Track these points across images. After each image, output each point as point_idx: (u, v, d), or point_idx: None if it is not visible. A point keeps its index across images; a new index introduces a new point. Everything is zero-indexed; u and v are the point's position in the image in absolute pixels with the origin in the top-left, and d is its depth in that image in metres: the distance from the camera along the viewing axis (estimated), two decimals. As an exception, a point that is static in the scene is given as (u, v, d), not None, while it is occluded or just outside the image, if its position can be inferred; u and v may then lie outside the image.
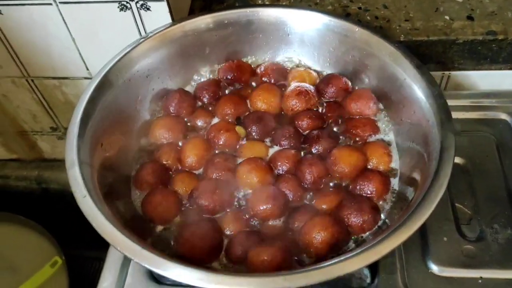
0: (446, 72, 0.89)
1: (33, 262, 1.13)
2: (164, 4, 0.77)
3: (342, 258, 0.48)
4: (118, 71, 0.69)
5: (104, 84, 0.67)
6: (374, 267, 0.67)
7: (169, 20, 0.79)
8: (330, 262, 0.48)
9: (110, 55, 0.71)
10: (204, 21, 0.77)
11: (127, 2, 0.77)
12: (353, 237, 0.61)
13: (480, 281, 0.66)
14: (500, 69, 0.87)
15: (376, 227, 0.62)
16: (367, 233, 0.61)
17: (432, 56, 0.86)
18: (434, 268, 0.67)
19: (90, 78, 0.93)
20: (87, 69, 0.91)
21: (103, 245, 0.75)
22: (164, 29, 0.74)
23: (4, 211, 1.17)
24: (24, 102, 1.02)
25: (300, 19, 0.77)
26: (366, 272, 0.67)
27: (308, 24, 0.77)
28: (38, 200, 1.21)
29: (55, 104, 1.02)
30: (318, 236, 0.58)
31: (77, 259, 1.23)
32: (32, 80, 0.96)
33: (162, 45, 0.74)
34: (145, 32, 0.81)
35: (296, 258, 0.60)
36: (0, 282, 1.10)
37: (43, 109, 1.03)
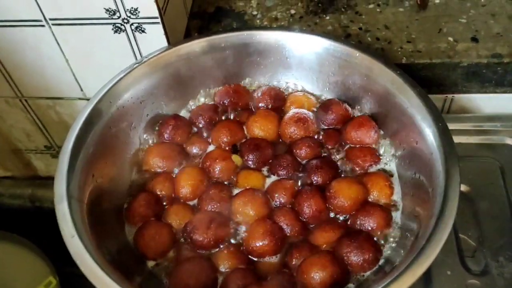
0: (449, 95, 0.86)
1: (27, 282, 1.11)
2: (160, 26, 0.75)
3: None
4: (111, 98, 0.67)
5: (96, 113, 0.65)
6: (375, 302, 0.65)
7: (165, 42, 0.76)
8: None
9: (105, 76, 0.69)
10: (200, 44, 0.74)
11: (121, 24, 0.75)
12: (353, 277, 0.59)
13: (485, 317, 0.64)
14: (505, 92, 0.85)
15: (378, 265, 0.59)
16: (368, 272, 0.59)
17: (435, 79, 0.83)
18: (438, 304, 0.65)
19: (85, 99, 0.91)
20: (81, 89, 0.89)
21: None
22: (159, 53, 0.72)
23: (-2, 229, 1.15)
24: (18, 121, 1.00)
25: (299, 43, 0.75)
26: (367, 308, 0.65)
27: (307, 47, 0.75)
28: (32, 218, 1.18)
29: (49, 123, 1.00)
30: (317, 276, 0.56)
31: (71, 277, 1.21)
32: (26, 100, 0.94)
33: (156, 70, 0.72)
34: (140, 54, 0.79)
35: (293, 298, 0.57)
36: (-7, 303, 1.08)
37: (37, 129, 1.01)
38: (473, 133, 0.83)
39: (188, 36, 0.88)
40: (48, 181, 1.16)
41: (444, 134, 0.59)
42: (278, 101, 0.77)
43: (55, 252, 1.15)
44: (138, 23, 0.74)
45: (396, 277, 0.48)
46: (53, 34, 0.78)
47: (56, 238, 1.15)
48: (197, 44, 0.74)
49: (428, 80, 0.83)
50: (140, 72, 0.70)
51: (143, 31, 0.76)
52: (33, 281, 1.11)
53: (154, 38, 0.76)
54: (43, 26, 0.77)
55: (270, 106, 0.76)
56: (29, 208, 1.17)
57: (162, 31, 0.75)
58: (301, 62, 0.76)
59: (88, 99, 0.63)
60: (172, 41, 0.77)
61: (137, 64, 0.70)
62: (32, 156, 1.11)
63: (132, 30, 0.76)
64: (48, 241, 1.14)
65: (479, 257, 0.70)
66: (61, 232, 0.52)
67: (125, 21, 0.74)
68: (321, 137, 0.73)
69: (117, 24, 0.75)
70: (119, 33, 0.76)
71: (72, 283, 1.20)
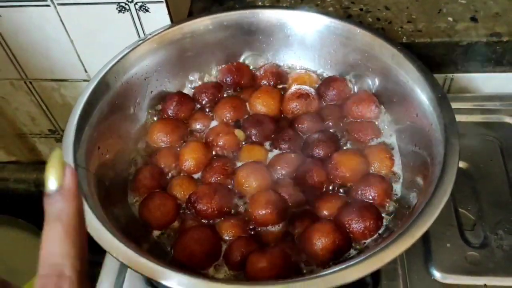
0: (449, 75, 0.87)
1: (32, 265, 1.12)
2: (163, 5, 0.76)
3: (344, 266, 0.47)
4: (116, 74, 0.68)
5: (102, 87, 0.66)
6: (376, 274, 0.66)
7: (168, 22, 0.78)
8: (333, 270, 0.47)
9: (108, 57, 0.70)
10: (203, 23, 0.76)
11: (125, 4, 0.76)
12: (354, 244, 0.60)
13: (484, 288, 0.65)
14: (504, 71, 0.86)
15: (378, 233, 0.60)
16: (369, 239, 0.60)
17: (435, 59, 0.84)
18: (437, 275, 0.66)
19: (89, 80, 0.92)
20: (86, 71, 0.90)
21: (101, 249, 0.74)
22: (163, 31, 0.73)
23: (3, 214, 1.16)
24: (22, 105, 1.01)
25: (300, 21, 0.76)
26: (368, 279, 0.66)
27: (309, 26, 0.76)
28: (37, 203, 1.19)
29: (54, 106, 1.01)
30: (319, 242, 0.57)
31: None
32: (31, 82, 0.95)
33: (160, 47, 0.73)
34: (144, 34, 0.80)
35: (295, 265, 0.58)
36: (-2, 286, 1.09)
37: (41, 112, 1.03)
38: (473, 112, 0.84)
39: (191, 17, 0.89)
40: (53, 165, 1.17)
41: (443, 104, 0.60)
42: (280, 78, 0.78)
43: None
44: (142, 2, 0.75)
45: (396, 238, 0.49)
46: (59, 14, 0.79)
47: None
48: (200, 23, 0.75)
49: (428, 59, 0.83)
50: (145, 49, 0.71)
51: (147, 10, 0.77)
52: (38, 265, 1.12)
53: (158, 17, 0.77)
54: (48, 6, 0.78)
55: (272, 84, 0.77)
56: (34, 193, 1.18)
57: (166, 11, 0.76)
58: (302, 40, 0.78)
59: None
60: (175, 21, 0.78)
61: (141, 41, 0.71)
62: (37, 141, 1.12)
63: (136, 9, 0.77)
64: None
65: (478, 231, 0.70)
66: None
67: (129, 0, 0.75)
68: (322, 112, 0.74)
69: (121, 4, 0.76)
70: (123, 12, 0.77)
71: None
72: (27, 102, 1.00)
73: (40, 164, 1.18)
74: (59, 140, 1.10)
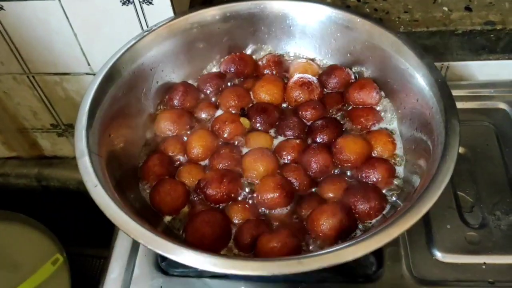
0: (445, 63, 0.90)
1: (34, 259, 1.13)
2: (167, -3, 0.77)
3: (354, 241, 0.49)
4: (124, 63, 0.69)
5: (111, 75, 0.67)
6: (379, 255, 0.68)
7: (171, 14, 0.79)
8: (343, 246, 0.49)
9: (112, 50, 0.71)
10: (206, 14, 0.77)
11: (129, -4, 0.77)
12: (360, 225, 0.62)
13: (483, 266, 0.67)
14: (498, 59, 0.88)
15: (382, 214, 0.62)
16: (374, 220, 0.62)
17: (432, 47, 0.87)
18: (438, 254, 0.68)
19: (92, 74, 0.93)
20: (89, 64, 0.91)
21: (104, 243, 0.75)
22: (168, 21, 0.74)
23: (4, 209, 1.16)
24: (24, 99, 1.01)
25: (302, 11, 0.78)
26: (372, 260, 0.68)
27: (310, 16, 0.78)
28: (38, 198, 1.20)
29: (56, 100, 1.02)
30: (326, 222, 0.59)
31: (78, 257, 1.23)
32: (33, 77, 0.96)
33: (166, 38, 0.74)
34: (148, 27, 0.81)
35: (304, 245, 0.60)
36: (2, 280, 1.09)
37: (43, 106, 1.03)
38: (469, 99, 0.87)
39: (193, 9, 0.91)
40: (54, 160, 1.18)
41: (443, 88, 0.62)
42: (282, 68, 0.80)
43: (62, 231, 1.18)
44: (146, -6, 0.77)
45: (404, 213, 0.50)
46: (62, 7, 0.80)
47: (63, 217, 1.17)
48: (204, 14, 0.77)
49: (425, 48, 0.86)
50: (151, 39, 0.73)
51: (150, 3, 0.78)
52: (40, 258, 1.13)
53: (161, 10, 0.79)
54: (52, -1, 0.79)
55: (274, 73, 0.79)
56: (36, 188, 1.19)
57: (169, 3, 0.78)
58: (304, 30, 0.79)
59: (95, 74, 0.66)
60: (179, 13, 0.79)
61: (147, 32, 0.73)
62: (38, 135, 1.13)
63: (139, 2, 0.78)
64: (54, 220, 1.17)
65: (477, 212, 0.73)
66: (85, 184, 0.54)
67: (133, -8, 0.76)
68: (325, 100, 0.76)
69: (125, -4, 0.77)
70: (127, 5, 0.79)
71: (80, 262, 1.23)
72: (29, 97, 1.01)
73: (41, 159, 1.18)
74: (61, 134, 1.11)
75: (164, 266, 0.69)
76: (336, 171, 0.68)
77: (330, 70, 0.77)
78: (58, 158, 1.18)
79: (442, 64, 0.90)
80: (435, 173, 0.54)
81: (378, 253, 0.68)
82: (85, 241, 1.23)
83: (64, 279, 1.14)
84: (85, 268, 1.27)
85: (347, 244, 0.49)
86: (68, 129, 1.09)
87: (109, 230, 0.75)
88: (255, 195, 0.65)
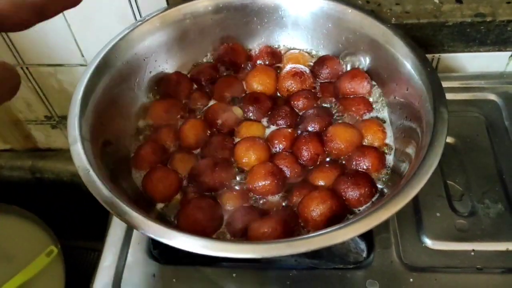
0: (436, 55, 0.91)
1: (29, 251, 1.13)
2: (160, -13, 0.78)
3: (343, 224, 0.50)
4: (117, 53, 0.69)
5: (104, 65, 0.67)
6: (370, 242, 0.69)
7: (164, 5, 0.79)
8: (332, 229, 0.50)
9: (105, 40, 0.71)
10: (199, 4, 0.77)
11: (122, -14, 0.78)
12: (350, 211, 0.63)
13: (472, 253, 0.68)
14: (488, 51, 0.89)
15: (372, 201, 0.63)
16: (364, 206, 0.63)
17: (423, 39, 0.87)
18: (428, 242, 0.69)
19: (85, 65, 0.93)
20: (82, 55, 0.92)
21: (98, 236, 0.76)
22: (161, 12, 0.75)
23: (-2, 201, 1.16)
24: (19, 91, 1.01)
25: (294, 2, 0.78)
26: (363, 246, 0.69)
27: (302, 7, 0.78)
28: (32, 190, 1.21)
29: (50, 92, 1.02)
30: (317, 209, 0.60)
31: (72, 250, 1.24)
32: (27, 68, 0.96)
33: (159, 28, 0.75)
34: (141, 17, 0.81)
35: (295, 231, 0.61)
36: (-4, 272, 1.10)
37: (37, 98, 1.04)
38: (459, 91, 0.88)
39: None
40: (48, 152, 1.18)
41: (432, 77, 0.63)
42: (275, 58, 0.80)
43: (56, 223, 1.18)
44: (139, -16, 0.77)
45: (393, 197, 0.51)
46: (56, -2, 0.80)
47: (57, 209, 1.17)
48: (197, 4, 0.77)
49: (416, 40, 0.86)
50: (144, 29, 0.73)
51: (143, -7, 0.79)
52: (35, 250, 1.13)
53: (154, 0, 0.79)
54: (46, -11, 0.79)
55: (267, 63, 0.80)
56: (30, 180, 1.19)
57: (162, -7, 0.79)
58: (296, 21, 0.80)
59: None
60: (172, 3, 0.79)
61: (140, 22, 0.73)
62: (32, 127, 1.13)
63: (133, -8, 0.79)
64: (48, 212, 1.17)
65: (466, 201, 0.74)
66: (77, 170, 0.55)
67: (127, -18, 0.77)
68: (317, 90, 0.77)
69: (118, -14, 0.78)
70: (120, -5, 0.79)
71: (74, 255, 1.23)
72: (23, 88, 1.01)
73: (35, 151, 1.19)
74: (55, 126, 1.11)
75: (156, 254, 0.70)
76: (327, 159, 0.69)
77: (322, 61, 0.78)
78: (52, 150, 1.18)
79: (433, 55, 0.91)
80: (423, 159, 0.54)
81: (368, 240, 0.69)
82: (80, 233, 1.23)
83: (58, 271, 1.15)
84: (79, 260, 1.27)
85: (336, 227, 0.50)
86: (62, 121, 1.10)
87: (103, 222, 0.75)
88: (247, 182, 0.66)
